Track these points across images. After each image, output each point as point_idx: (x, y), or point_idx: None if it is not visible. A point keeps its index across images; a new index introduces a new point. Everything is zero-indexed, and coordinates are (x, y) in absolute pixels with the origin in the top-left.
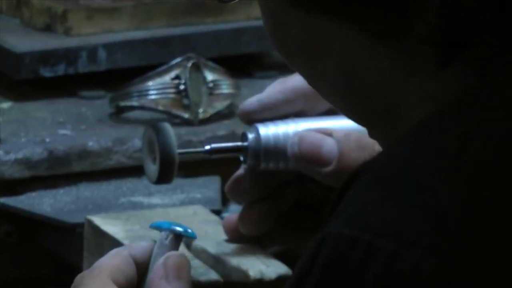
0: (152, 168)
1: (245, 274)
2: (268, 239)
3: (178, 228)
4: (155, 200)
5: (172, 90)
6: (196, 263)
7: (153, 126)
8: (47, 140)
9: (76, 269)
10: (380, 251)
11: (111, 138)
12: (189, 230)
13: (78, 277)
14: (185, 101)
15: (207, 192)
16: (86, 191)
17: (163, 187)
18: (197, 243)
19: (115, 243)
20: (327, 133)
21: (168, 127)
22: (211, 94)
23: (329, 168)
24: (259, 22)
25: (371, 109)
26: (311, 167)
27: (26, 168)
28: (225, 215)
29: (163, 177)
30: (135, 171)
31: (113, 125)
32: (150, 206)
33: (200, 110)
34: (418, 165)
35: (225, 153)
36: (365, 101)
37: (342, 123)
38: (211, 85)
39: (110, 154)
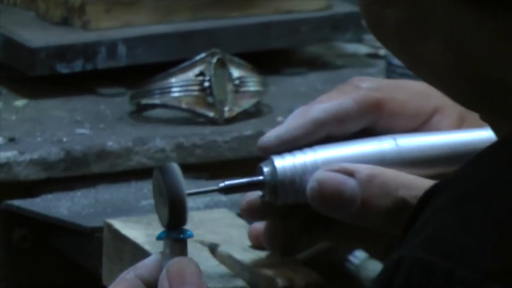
0: (163, 212)
1: (273, 281)
2: (296, 245)
3: (172, 233)
4: None
5: (196, 87)
6: (221, 269)
7: (159, 168)
8: (64, 139)
9: (94, 276)
10: (460, 281)
11: (132, 137)
12: (188, 232)
13: None
14: (210, 99)
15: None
16: (105, 193)
17: (187, 189)
18: (223, 248)
19: (136, 248)
20: (349, 172)
21: (175, 168)
22: (237, 91)
23: (350, 213)
24: (288, 16)
25: (477, 89)
26: (331, 211)
27: (42, 169)
28: None
29: (174, 221)
30: None
31: (134, 124)
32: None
33: (226, 109)
34: (503, 187)
35: (240, 190)
36: (471, 81)
37: (366, 149)
38: (237, 82)
39: (130, 154)
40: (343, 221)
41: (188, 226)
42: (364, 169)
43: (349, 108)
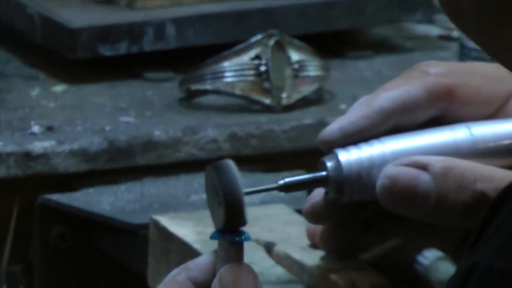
0: (218, 213)
1: (334, 284)
2: (356, 245)
3: (228, 234)
4: None
5: (252, 72)
6: (278, 270)
7: (214, 165)
8: (107, 128)
9: (139, 277)
10: None
11: (181, 126)
12: (245, 234)
13: None
14: (266, 85)
15: None
16: (152, 187)
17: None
18: (279, 248)
19: (185, 247)
20: (422, 166)
21: (230, 164)
22: (296, 76)
23: (424, 210)
24: None
25: None
26: (404, 209)
27: (83, 161)
28: None
29: (231, 223)
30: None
31: (183, 112)
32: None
33: (284, 95)
34: None
35: (302, 188)
36: None
37: (437, 139)
38: (296, 66)
39: (179, 145)
40: (416, 219)
41: None
42: (438, 162)
43: (418, 96)
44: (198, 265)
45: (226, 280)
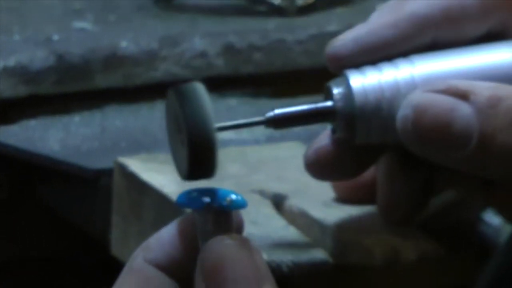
0: (181, 155)
1: (368, 251)
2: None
3: (207, 200)
4: (226, 133)
5: None
6: (290, 232)
7: (175, 90)
8: (55, 38)
9: (100, 243)
10: None
11: (157, 36)
12: (232, 197)
13: None
14: None
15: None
16: (117, 119)
17: (240, 111)
18: (293, 202)
19: (163, 201)
20: (462, 94)
21: (198, 88)
22: None
23: (463, 153)
24: None
25: None
26: (433, 152)
27: (22, 82)
28: None
29: (196, 170)
30: None
31: (161, 16)
32: (219, 143)
33: None
34: None
35: (298, 122)
36: None
37: (485, 61)
38: None
39: (154, 61)
40: (449, 166)
41: (241, 169)
42: (484, 89)
43: (468, 4)
44: (161, 242)
45: (210, 263)
